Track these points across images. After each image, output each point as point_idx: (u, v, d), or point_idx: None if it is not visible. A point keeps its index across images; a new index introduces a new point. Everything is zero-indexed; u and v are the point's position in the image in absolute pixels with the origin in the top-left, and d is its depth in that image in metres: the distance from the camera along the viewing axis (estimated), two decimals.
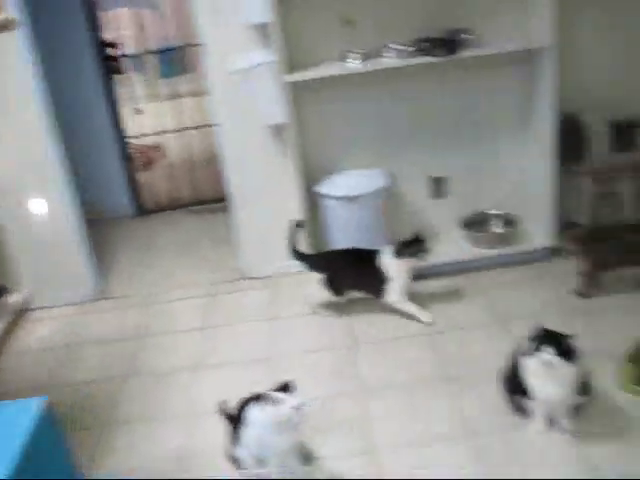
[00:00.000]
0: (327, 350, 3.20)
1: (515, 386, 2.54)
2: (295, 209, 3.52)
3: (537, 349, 2.36)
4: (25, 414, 1.55)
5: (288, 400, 2.20)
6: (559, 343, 2.33)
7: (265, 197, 3.75)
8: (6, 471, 1.40)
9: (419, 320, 3.28)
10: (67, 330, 3.68)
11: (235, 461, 2.42)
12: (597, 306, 3.27)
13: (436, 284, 3.63)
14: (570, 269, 3.49)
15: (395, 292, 3.26)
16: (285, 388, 2.27)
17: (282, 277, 3.87)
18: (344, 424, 2.70)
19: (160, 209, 5.14)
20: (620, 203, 3.90)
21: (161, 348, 3.39)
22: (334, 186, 3.51)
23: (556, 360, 2.31)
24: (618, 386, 2.69)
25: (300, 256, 3.42)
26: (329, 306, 3.45)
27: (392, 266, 3.22)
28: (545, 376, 2.37)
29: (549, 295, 3.42)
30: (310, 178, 3.59)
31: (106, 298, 3.97)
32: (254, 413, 2.30)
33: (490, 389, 2.73)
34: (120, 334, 3.57)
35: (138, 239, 4.75)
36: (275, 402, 2.21)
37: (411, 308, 3.29)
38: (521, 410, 2.59)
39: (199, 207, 5.07)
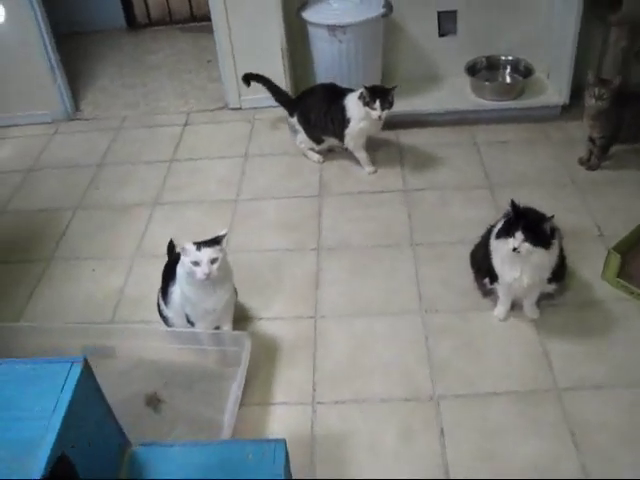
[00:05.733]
0: (294, 198, 2.93)
1: (483, 265, 2.27)
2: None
3: (507, 231, 2.05)
4: (66, 375, 1.44)
5: (193, 252, 1.97)
6: (532, 226, 2.00)
7: (250, 21, 3.30)
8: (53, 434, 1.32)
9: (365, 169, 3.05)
10: (30, 152, 3.42)
11: (165, 319, 2.24)
12: (601, 180, 2.90)
13: (430, 134, 3.27)
14: (581, 134, 3.03)
15: (350, 137, 2.94)
16: (213, 241, 2.03)
17: (264, 111, 3.50)
18: (293, 284, 2.50)
19: (153, 24, 4.69)
20: None
21: (123, 179, 3.15)
22: (323, 12, 3.04)
23: (524, 247, 2.00)
24: (601, 275, 2.40)
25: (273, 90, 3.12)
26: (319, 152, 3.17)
27: (353, 110, 2.85)
28: (512, 260, 2.08)
29: (551, 161, 3.04)
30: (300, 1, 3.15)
31: (78, 119, 3.68)
32: (178, 268, 2.08)
33: (459, 263, 2.46)
34: (84, 160, 3.32)
35: (124, 55, 4.36)
36: (186, 253, 1.99)
37: (362, 155, 3.01)
38: (487, 291, 2.34)
39: (194, 24, 4.61)
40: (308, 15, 3.04)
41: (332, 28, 2.96)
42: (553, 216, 2.05)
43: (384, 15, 3.03)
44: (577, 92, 3.14)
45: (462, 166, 3.04)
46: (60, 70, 3.60)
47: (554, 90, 3.28)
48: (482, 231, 2.33)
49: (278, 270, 2.56)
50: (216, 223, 2.80)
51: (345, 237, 2.69)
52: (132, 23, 4.71)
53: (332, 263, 2.57)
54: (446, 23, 3.30)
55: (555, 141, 3.16)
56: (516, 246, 1.99)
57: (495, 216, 2.47)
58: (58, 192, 3.10)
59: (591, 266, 2.42)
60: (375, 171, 3.02)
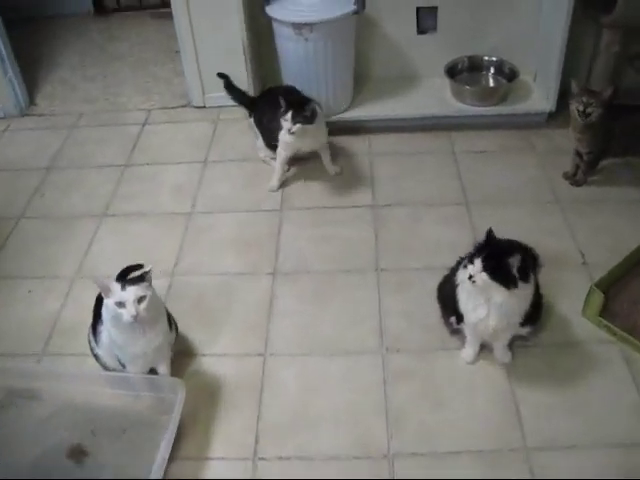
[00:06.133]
0: (252, 212, 2.70)
1: (449, 302, 2.03)
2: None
3: (470, 261, 1.82)
4: None
5: (118, 292, 1.75)
6: (495, 257, 1.77)
7: (211, 11, 3.03)
8: None
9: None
10: None
11: (96, 357, 2.01)
12: (587, 198, 2.66)
13: (404, 141, 3.02)
14: (567, 144, 2.76)
15: (280, 143, 2.69)
16: (139, 278, 1.80)
17: (229, 110, 3.23)
18: (243, 314, 2.27)
19: (122, 9, 4.40)
20: None
21: (72, 185, 2.91)
22: (289, 8, 2.77)
23: (480, 278, 1.77)
24: (582, 312, 2.17)
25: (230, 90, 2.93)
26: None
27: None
28: (477, 297, 1.85)
29: (534, 174, 2.80)
30: None
31: (32, 115, 3.43)
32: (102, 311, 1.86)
33: (427, 293, 2.22)
34: (33, 162, 3.07)
35: (89, 43, 4.08)
36: (109, 295, 1.76)
37: (278, 166, 2.77)
38: (454, 330, 2.11)
39: (165, 10, 4.32)
40: (272, 11, 2.77)
41: (298, 26, 2.70)
42: (526, 249, 1.84)
43: (355, 12, 2.77)
44: (565, 98, 2.86)
45: (437, 178, 2.80)
46: (12, 62, 3.34)
47: (540, 95, 3.03)
48: (454, 256, 2.08)
49: (228, 297, 2.33)
50: (166, 240, 2.58)
51: (304, 260, 2.46)
52: (100, 8, 4.43)
53: (288, 290, 2.34)
54: (426, 20, 3.03)
55: (540, 151, 2.92)
56: (472, 274, 1.77)
57: (470, 237, 2.27)
58: (1, 198, 2.86)
59: (572, 300, 2.19)
60: (275, 189, 2.78)
